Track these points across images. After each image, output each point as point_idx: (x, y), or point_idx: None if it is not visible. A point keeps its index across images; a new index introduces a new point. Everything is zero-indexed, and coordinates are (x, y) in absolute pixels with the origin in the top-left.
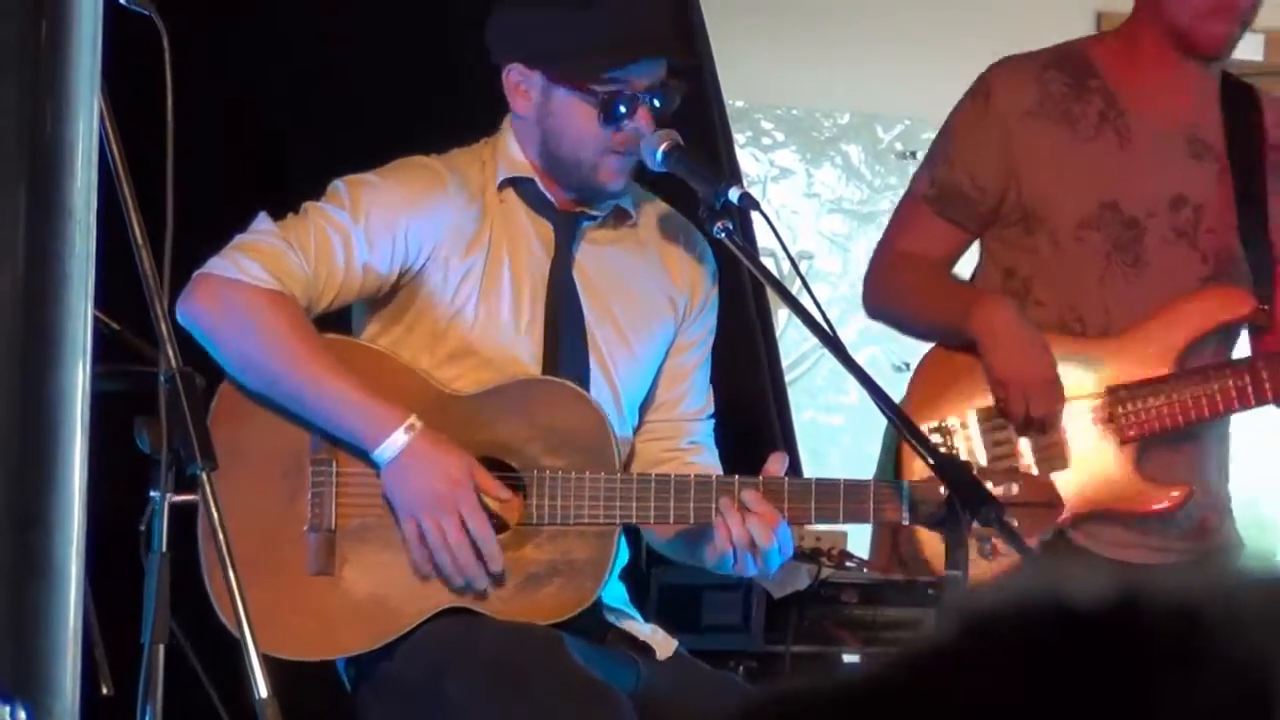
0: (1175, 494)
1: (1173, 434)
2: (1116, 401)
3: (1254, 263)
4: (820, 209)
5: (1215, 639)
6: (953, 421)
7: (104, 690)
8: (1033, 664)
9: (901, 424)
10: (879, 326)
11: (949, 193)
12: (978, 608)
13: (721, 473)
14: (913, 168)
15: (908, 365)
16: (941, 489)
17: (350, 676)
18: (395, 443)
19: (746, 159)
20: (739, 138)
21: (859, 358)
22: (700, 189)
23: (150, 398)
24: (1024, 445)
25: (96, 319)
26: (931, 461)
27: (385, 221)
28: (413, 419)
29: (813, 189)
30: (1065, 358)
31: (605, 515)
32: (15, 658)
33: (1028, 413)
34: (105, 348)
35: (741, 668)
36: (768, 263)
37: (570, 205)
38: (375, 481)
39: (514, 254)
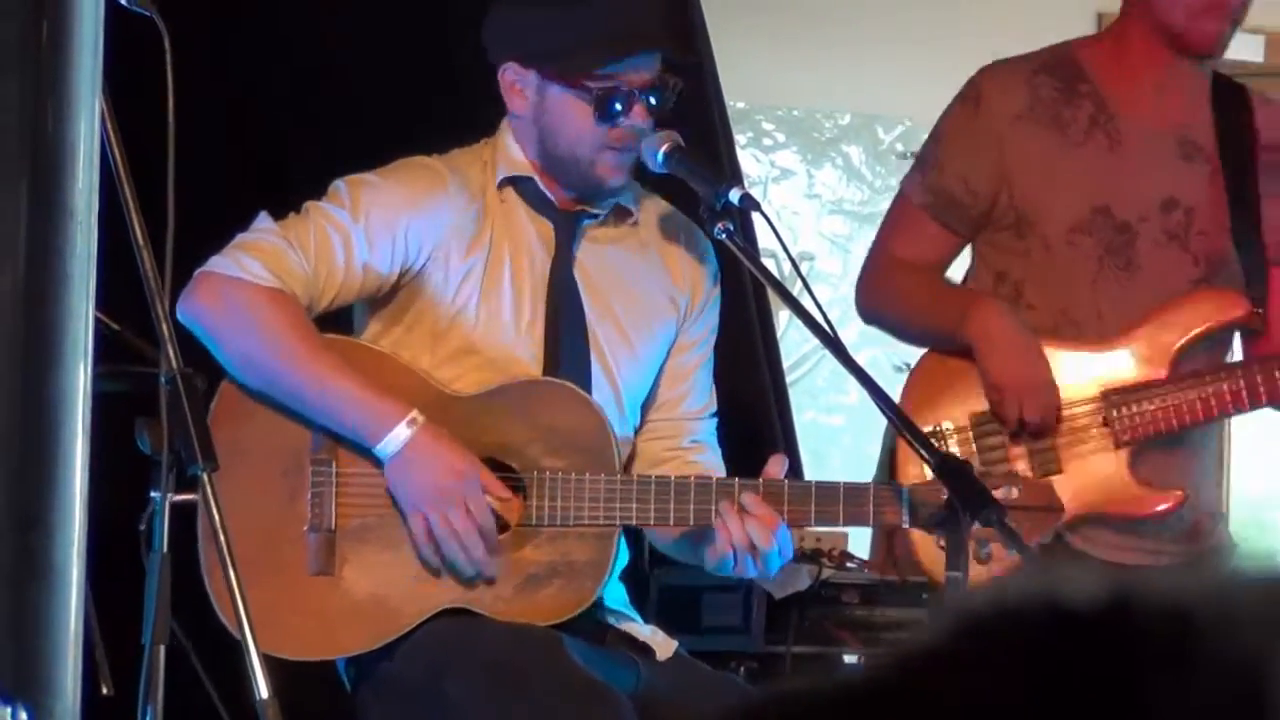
0: (1170, 498)
1: (1167, 437)
2: (1111, 405)
3: (1247, 265)
4: (821, 210)
5: (1209, 640)
6: (947, 425)
7: (104, 691)
8: (1027, 665)
9: (902, 425)
10: None
11: (941, 197)
12: (972, 608)
13: (724, 472)
14: None
15: (908, 366)
16: (942, 491)
17: (350, 677)
18: (398, 437)
19: (747, 160)
20: (740, 139)
21: (859, 358)
22: (701, 190)
23: (151, 399)
24: (1018, 450)
25: (97, 320)
26: (932, 463)
27: (385, 221)
28: (414, 413)
29: (813, 190)
30: (1059, 362)
31: (605, 517)
32: (16, 658)
33: (1022, 417)
34: (106, 348)
35: (742, 669)
36: (768, 264)
37: (570, 204)
38: (375, 481)
39: (515, 253)
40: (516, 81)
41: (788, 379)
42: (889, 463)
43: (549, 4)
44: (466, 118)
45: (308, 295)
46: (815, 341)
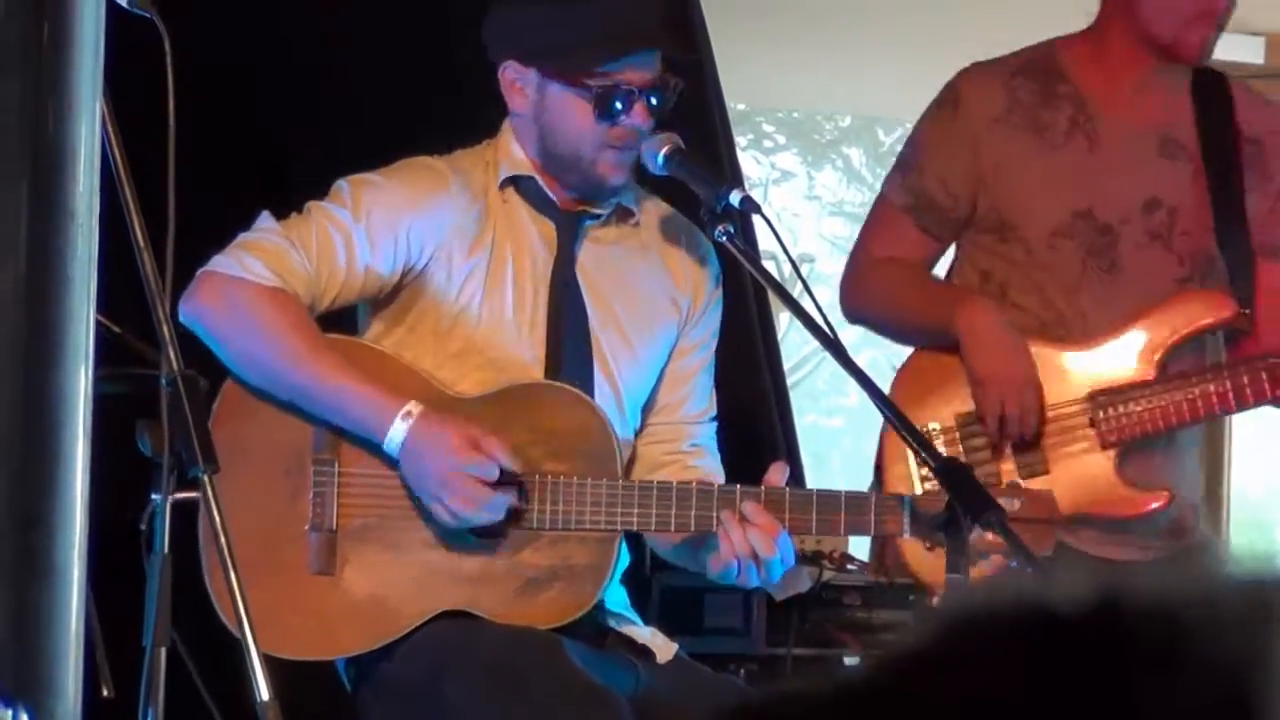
0: (1157, 499)
1: (1153, 438)
2: (1098, 407)
3: (1231, 262)
4: (821, 212)
5: (1196, 641)
6: (933, 426)
7: (105, 692)
8: (1015, 665)
9: (902, 427)
10: None
11: (922, 199)
12: (962, 609)
13: (723, 476)
14: None
15: None
16: (943, 501)
17: (350, 677)
18: (398, 433)
19: (748, 162)
20: (740, 140)
21: (860, 360)
22: (701, 192)
23: (152, 400)
24: (1004, 450)
25: (98, 322)
26: (933, 465)
27: (387, 221)
28: (409, 406)
29: (814, 192)
30: (1046, 362)
31: (606, 522)
32: (17, 659)
33: (1003, 412)
34: (107, 350)
35: (743, 671)
36: (769, 265)
37: (572, 204)
38: (378, 481)
39: (517, 253)
40: (517, 80)
41: (788, 381)
42: (877, 462)
43: (549, 2)
44: (468, 118)
45: (309, 295)
46: (815, 344)
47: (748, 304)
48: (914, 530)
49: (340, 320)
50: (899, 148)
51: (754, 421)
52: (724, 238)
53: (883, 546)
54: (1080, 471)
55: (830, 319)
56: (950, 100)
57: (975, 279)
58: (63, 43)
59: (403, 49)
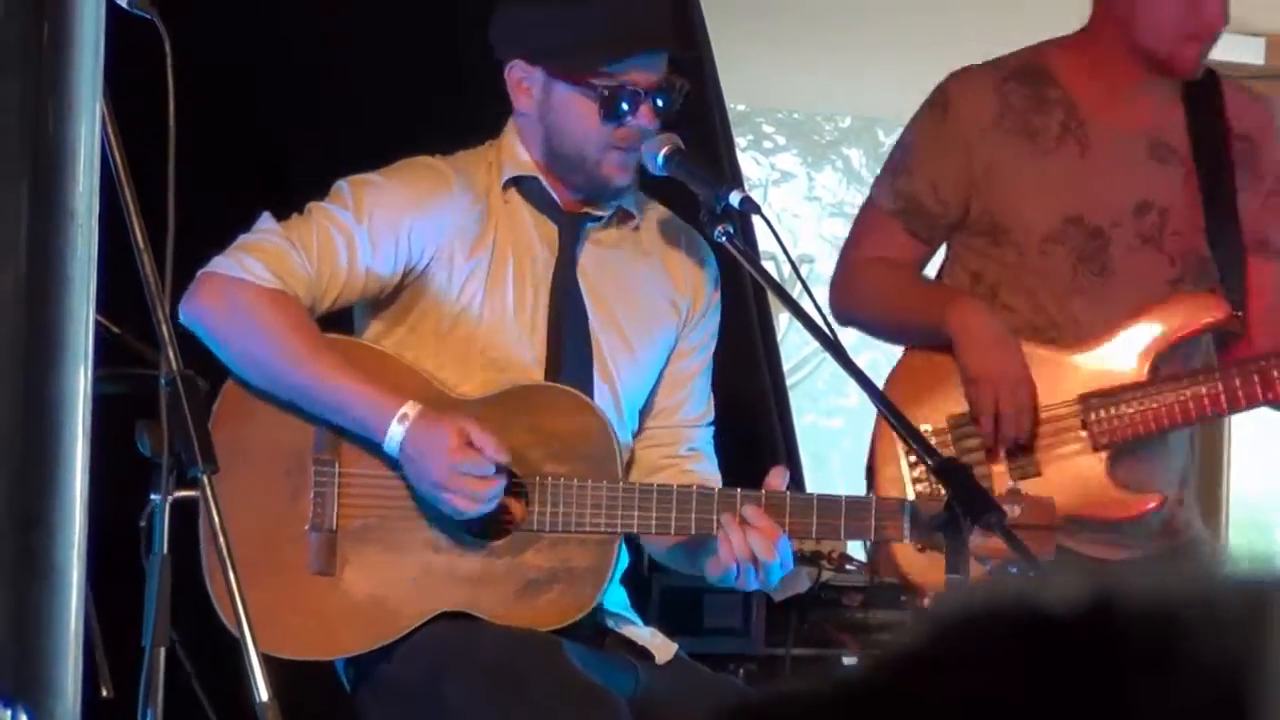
0: (1149, 501)
1: (1145, 440)
2: (1090, 409)
3: (1222, 263)
4: (821, 212)
5: (1190, 642)
6: (925, 428)
7: (104, 692)
8: (1009, 666)
9: (902, 428)
10: None
11: (911, 204)
12: (957, 610)
13: (720, 481)
14: None
15: None
16: (942, 497)
17: (350, 678)
18: (395, 435)
19: (748, 162)
20: (740, 141)
21: (860, 361)
22: (701, 192)
23: (151, 401)
24: (996, 452)
25: (98, 322)
26: (933, 466)
27: (389, 222)
28: (405, 407)
29: (814, 192)
30: (1038, 364)
31: (607, 524)
32: (17, 659)
33: (997, 410)
34: (107, 351)
35: (742, 671)
36: (769, 266)
37: (575, 205)
38: (378, 482)
39: (518, 255)
40: (523, 79)
41: (788, 382)
42: (869, 464)
43: (557, 1)
44: (469, 118)
45: (310, 296)
46: (815, 344)
47: (747, 304)
48: (914, 535)
49: (339, 320)
50: None
51: (754, 422)
52: (724, 238)
53: (877, 546)
54: (1072, 473)
55: (830, 320)
56: (940, 104)
57: (966, 281)
58: (63, 43)
59: (403, 49)
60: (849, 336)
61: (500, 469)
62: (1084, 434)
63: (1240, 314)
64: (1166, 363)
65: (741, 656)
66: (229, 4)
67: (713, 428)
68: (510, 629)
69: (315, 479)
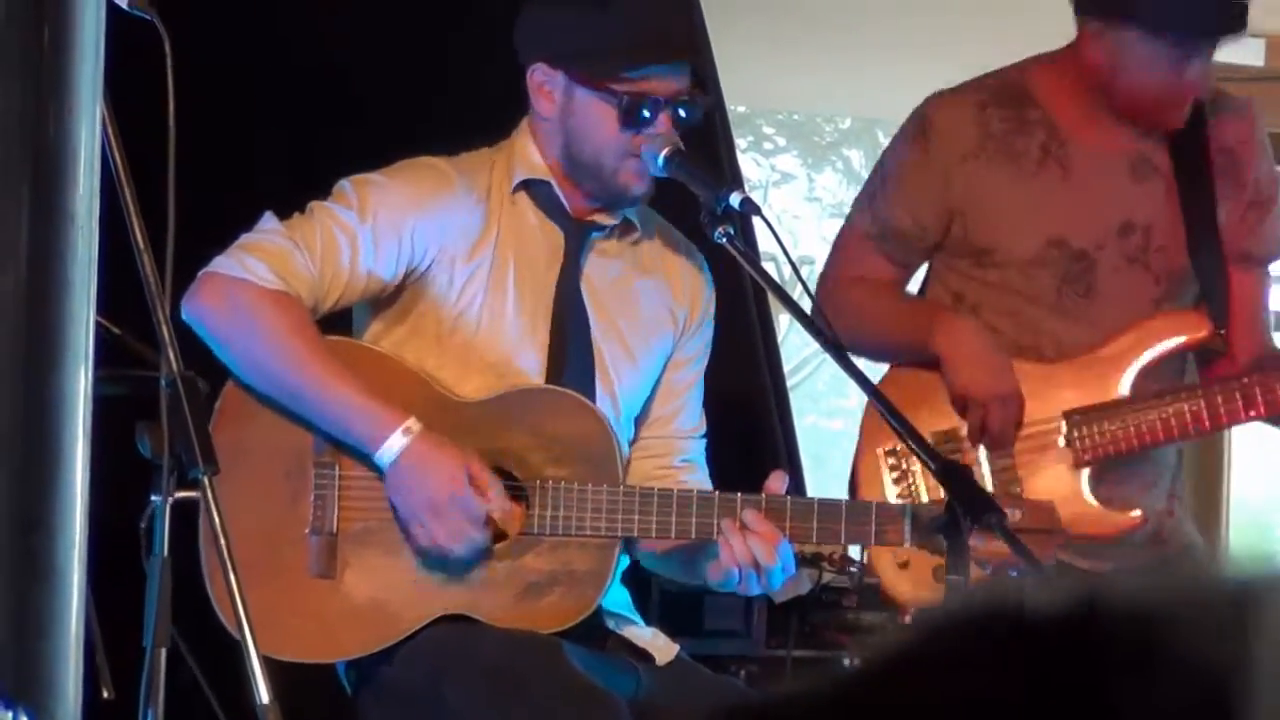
0: (1129, 521)
1: (1128, 457)
2: (1072, 425)
3: (1204, 281)
4: (821, 214)
5: (1174, 644)
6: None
7: (105, 694)
8: (994, 668)
9: (902, 428)
10: None
11: (889, 229)
12: (943, 613)
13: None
14: None
15: None
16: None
17: (350, 680)
18: (393, 446)
19: (748, 164)
20: (740, 142)
21: (859, 363)
22: (701, 194)
23: (152, 402)
24: (979, 469)
25: (98, 323)
26: (933, 467)
27: (392, 222)
28: (410, 422)
29: (814, 194)
30: (1022, 380)
31: (607, 527)
32: (17, 661)
33: (985, 427)
34: (107, 352)
35: (743, 672)
36: (769, 267)
37: (585, 212)
38: (378, 485)
39: (519, 258)
40: (545, 83)
41: (788, 383)
42: (851, 482)
43: (577, 5)
44: (468, 118)
45: (312, 297)
46: (816, 345)
47: (747, 305)
48: (915, 539)
49: (339, 320)
50: None
51: (754, 423)
52: (724, 239)
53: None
54: (1054, 490)
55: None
56: (920, 132)
57: (948, 300)
58: (63, 46)
59: (403, 49)
60: None
61: (489, 522)
62: (1067, 451)
63: (1223, 331)
64: (1150, 380)
65: (742, 658)
66: (229, 4)
67: (704, 440)
68: (510, 631)
69: (316, 482)
